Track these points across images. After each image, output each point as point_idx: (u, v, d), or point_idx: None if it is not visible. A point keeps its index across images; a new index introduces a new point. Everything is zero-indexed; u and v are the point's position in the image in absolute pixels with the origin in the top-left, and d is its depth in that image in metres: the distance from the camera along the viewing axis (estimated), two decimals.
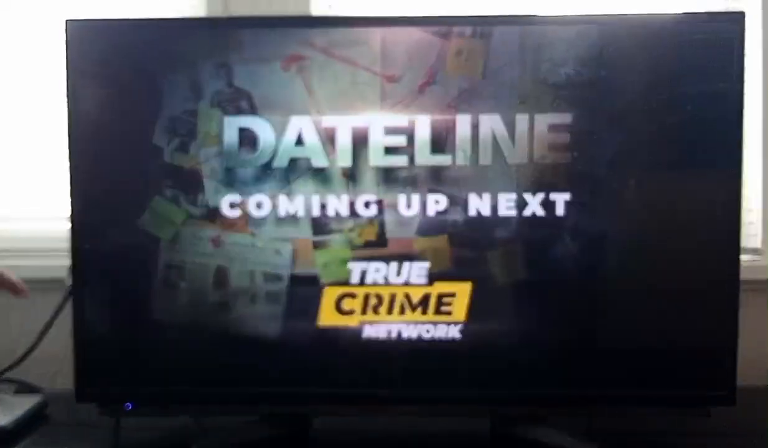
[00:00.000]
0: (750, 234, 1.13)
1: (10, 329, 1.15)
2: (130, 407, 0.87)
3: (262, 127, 0.83)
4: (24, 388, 1.06)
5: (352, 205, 0.83)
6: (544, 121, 0.82)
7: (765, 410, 0.99)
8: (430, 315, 0.84)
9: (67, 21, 0.84)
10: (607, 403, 0.87)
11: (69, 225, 0.85)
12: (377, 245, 0.84)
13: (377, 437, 0.92)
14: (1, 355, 1.05)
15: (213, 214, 0.84)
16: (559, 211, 0.83)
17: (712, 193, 0.83)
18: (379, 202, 0.83)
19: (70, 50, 0.84)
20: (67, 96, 0.84)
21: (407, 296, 0.84)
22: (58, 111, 0.86)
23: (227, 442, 0.88)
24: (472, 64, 0.82)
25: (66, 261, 0.87)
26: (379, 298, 0.84)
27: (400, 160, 0.83)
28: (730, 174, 0.83)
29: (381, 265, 0.84)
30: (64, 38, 0.84)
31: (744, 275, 0.83)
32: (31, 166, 1.20)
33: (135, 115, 0.85)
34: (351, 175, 0.83)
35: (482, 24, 0.82)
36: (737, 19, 0.83)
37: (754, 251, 1.14)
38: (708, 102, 0.82)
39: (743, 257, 0.84)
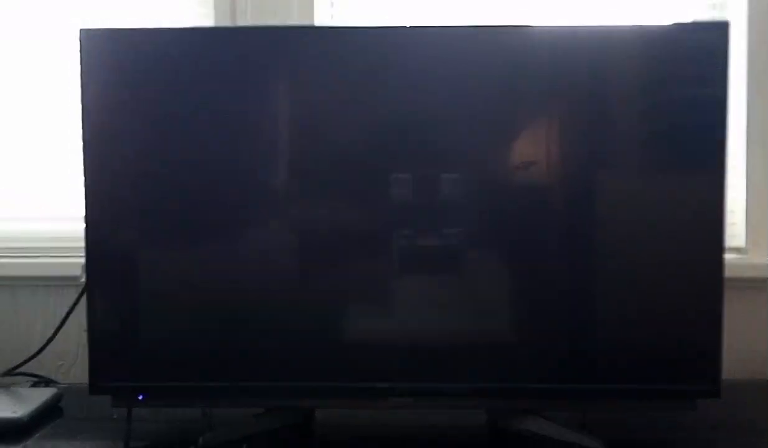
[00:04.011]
0: (734, 234, 1.14)
1: (26, 325, 1.19)
2: (141, 398, 0.89)
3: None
4: (39, 381, 1.08)
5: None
6: (532, 127, 0.85)
7: (750, 403, 1.01)
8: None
9: (81, 30, 0.85)
10: (596, 397, 0.88)
11: (84, 226, 0.86)
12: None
13: (378, 428, 0.94)
14: (18, 350, 1.08)
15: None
16: (550, 211, 0.85)
17: (698, 194, 0.84)
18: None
19: (84, 58, 0.85)
20: (82, 103, 0.85)
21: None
22: (74, 115, 0.87)
23: (234, 433, 0.89)
24: None
25: (80, 259, 0.89)
26: None
27: None
28: (714, 176, 0.84)
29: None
30: (78, 47, 0.85)
31: (728, 273, 0.85)
32: (46, 169, 1.21)
33: (150, 120, 0.87)
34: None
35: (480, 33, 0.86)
36: (722, 28, 0.83)
37: (738, 250, 1.15)
38: (694, 108, 0.84)
39: (727, 256, 0.85)
